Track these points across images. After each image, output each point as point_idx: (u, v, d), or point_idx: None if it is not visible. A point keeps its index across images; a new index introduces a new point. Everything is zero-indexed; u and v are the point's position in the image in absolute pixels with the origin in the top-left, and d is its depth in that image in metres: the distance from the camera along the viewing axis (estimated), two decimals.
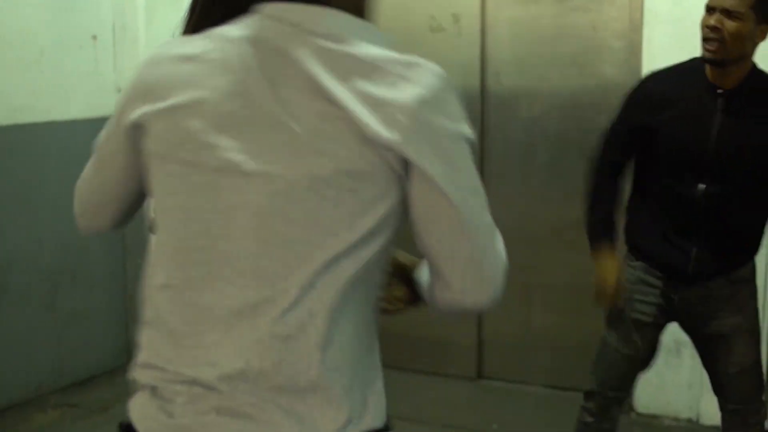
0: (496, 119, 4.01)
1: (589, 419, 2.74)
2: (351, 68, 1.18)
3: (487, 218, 1.24)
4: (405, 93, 1.16)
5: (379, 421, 1.25)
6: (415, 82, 1.18)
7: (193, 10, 1.37)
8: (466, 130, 1.22)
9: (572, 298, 3.91)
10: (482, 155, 3.90)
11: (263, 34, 1.23)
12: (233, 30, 1.25)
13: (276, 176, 1.18)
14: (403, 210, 1.22)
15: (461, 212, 1.19)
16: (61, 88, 4.04)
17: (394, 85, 1.17)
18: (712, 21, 2.38)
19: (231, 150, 1.19)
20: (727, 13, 2.36)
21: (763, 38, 2.44)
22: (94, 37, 4.18)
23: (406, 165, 1.18)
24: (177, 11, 4.65)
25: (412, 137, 1.16)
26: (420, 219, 1.21)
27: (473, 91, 3.97)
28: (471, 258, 1.22)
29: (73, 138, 4.09)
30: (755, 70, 2.50)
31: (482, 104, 4.00)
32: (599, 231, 2.66)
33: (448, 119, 1.20)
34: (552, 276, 4.00)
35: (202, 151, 1.21)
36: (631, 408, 3.77)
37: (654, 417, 3.80)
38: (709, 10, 2.41)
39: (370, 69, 1.18)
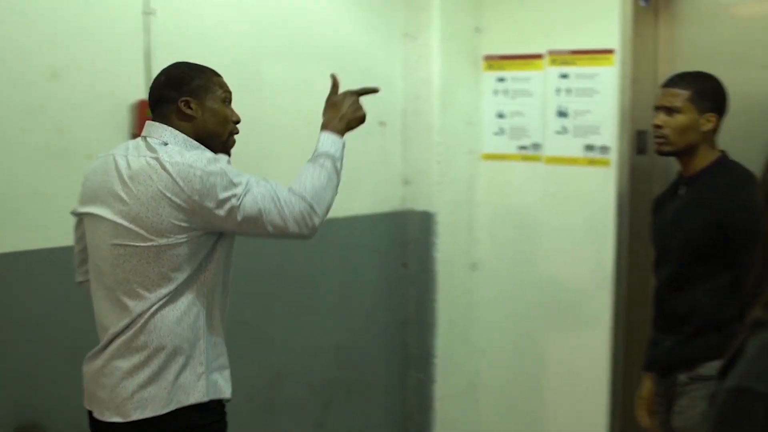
0: None
1: None
2: None
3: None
4: None
5: None
6: None
7: None
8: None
9: None
10: None
11: None
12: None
13: None
14: None
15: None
16: (346, 180, 3.60)
17: None
18: (656, 120, 2.68)
19: None
20: (668, 110, 2.64)
21: (711, 126, 2.63)
22: (382, 124, 3.75)
23: None
24: (475, 95, 3.88)
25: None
26: None
27: None
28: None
29: (352, 235, 3.66)
30: (721, 159, 2.65)
31: None
32: None
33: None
34: None
35: None
36: None
37: None
38: (656, 109, 2.70)
39: None
